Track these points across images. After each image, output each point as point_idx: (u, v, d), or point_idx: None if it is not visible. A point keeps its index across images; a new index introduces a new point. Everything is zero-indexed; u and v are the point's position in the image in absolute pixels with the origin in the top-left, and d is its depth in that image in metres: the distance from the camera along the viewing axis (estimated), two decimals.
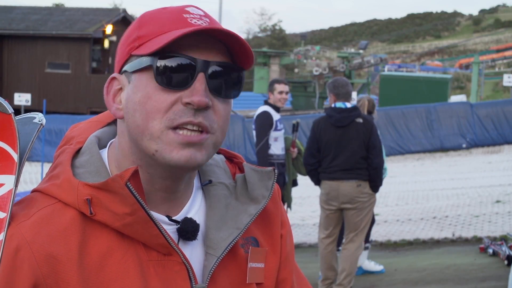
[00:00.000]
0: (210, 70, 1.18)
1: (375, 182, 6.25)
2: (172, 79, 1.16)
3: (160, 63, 1.16)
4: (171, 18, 1.20)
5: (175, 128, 1.16)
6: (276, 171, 1.34)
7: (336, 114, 6.22)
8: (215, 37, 1.19)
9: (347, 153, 6.19)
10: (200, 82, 1.16)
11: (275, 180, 1.33)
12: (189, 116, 1.16)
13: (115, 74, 1.24)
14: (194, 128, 1.17)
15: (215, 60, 1.19)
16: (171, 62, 1.16)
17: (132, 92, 1.19)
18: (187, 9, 1.22)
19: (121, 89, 1.23)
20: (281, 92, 7.29)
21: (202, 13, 1.22)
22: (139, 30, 1.21)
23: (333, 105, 6.28)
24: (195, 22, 1.19)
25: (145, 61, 1.17)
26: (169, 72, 1.16)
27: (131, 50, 1.21)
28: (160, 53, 1.16)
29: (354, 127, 6.19)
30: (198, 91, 1.16)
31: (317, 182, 6.46)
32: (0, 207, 1.15)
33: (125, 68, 1.22)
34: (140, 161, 1.21)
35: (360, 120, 6.22)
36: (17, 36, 32.11)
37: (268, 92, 7.42)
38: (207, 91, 1.17)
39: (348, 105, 6.27)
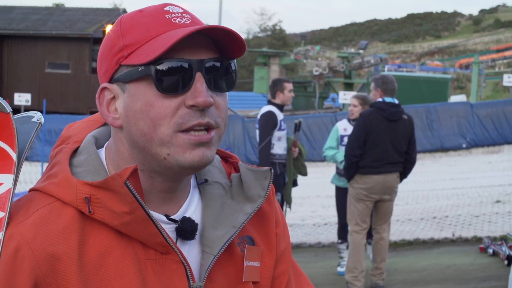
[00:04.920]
0: (206, 68, 1.18)
1: (407, 174, 6.65)
2: (172, 84, 1.16)
3: (158, 70, 1.15)
4: (154, 21, 1.19)
5: (183, 131, 1.17)
6: (272, 171, 1.33)
7: (390, 108, 6.41)
8: (202, 33, 1.19)
9: (397, 147, 6.43)
10: (200, 83, 1.17)
11: (271, 180, 1.33)
12: (196, 118, 1.17)
13: (105, 84, 1.22)
14: (201, 128, 1.18)
15: (208, 57, 1.19)
16: (168, 68, 1.16)
17: (130, 101, 1.18)
18: (167, 8, 1.21)
19: (114, 98, 1.22)
20: (290, 91, 7.35)
21: (181, 10, 1.21)
22: (124, 38, 1.19)
23: (381, 99, 6.45)
24: (179, 22, 1.19)
25: (142, 70, 1.16)
26: (168, 78, 1.16)
27: (119, 60, 1.19)
28: (155, 60, 1.15)
29: (402, 122, 6.47)
30: (200, 92, 1.16)
31: (353, 175, 6.48)
32: None
33: (116, 78, 1.20)
34: (142, 166, 1.21)
35: (406, 117, 6.50)
36: (17, 36, 32.11)
37: (275, 92, 7.29)
38: (207, 90, 1.18)
39: (396, 101, 6.47)
